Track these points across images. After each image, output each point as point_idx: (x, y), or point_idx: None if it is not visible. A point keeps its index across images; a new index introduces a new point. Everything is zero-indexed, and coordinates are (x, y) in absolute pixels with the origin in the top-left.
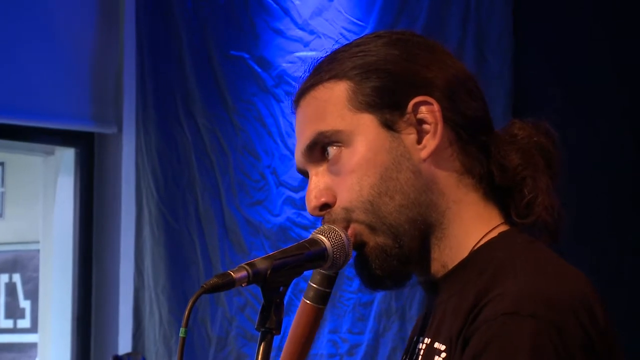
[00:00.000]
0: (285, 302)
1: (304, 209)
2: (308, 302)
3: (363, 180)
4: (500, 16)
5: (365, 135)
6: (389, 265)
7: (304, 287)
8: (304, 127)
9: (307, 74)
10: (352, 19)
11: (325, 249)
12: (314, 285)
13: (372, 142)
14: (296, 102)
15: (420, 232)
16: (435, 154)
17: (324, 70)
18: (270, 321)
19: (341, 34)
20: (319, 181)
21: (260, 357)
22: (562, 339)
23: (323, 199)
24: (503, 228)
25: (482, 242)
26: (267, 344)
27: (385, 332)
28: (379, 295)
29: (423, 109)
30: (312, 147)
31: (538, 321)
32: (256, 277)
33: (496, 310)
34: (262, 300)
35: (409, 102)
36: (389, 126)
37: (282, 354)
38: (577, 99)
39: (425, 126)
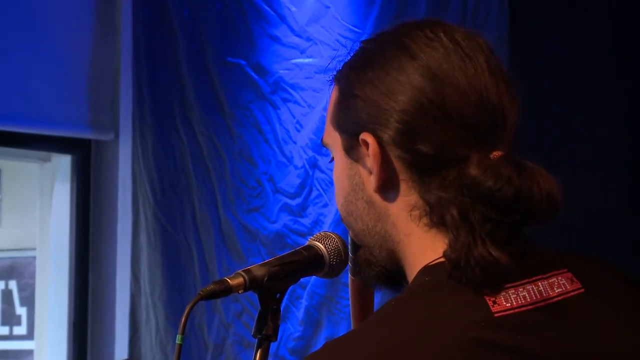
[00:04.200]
0: (282, 309)
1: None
2: (352, 276)
3: (338, 196)
4: (496, 25)
5: (337, 154)
6: (372, 270)
7: (301, 293)
8: None
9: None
10: (348, 25)
11: (322, 255)
12: (353, 257)
13: (339, 164)
14: None
15: (386, 256)
16: (384, 188)
17: (343, 65)
18: (267, 328)
19: (338, 40)
20: None
21: None
22: None
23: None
24: (436, 262)
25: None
26: (263, 351)
27: None
28: (375, 302)
29: (369, 144)
30: (326, 150)
31: None
32: (253, 283)
33: None
34: (259, 307)
35: (361, 134)
36: (348, 153)
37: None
38: (574, 104)
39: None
